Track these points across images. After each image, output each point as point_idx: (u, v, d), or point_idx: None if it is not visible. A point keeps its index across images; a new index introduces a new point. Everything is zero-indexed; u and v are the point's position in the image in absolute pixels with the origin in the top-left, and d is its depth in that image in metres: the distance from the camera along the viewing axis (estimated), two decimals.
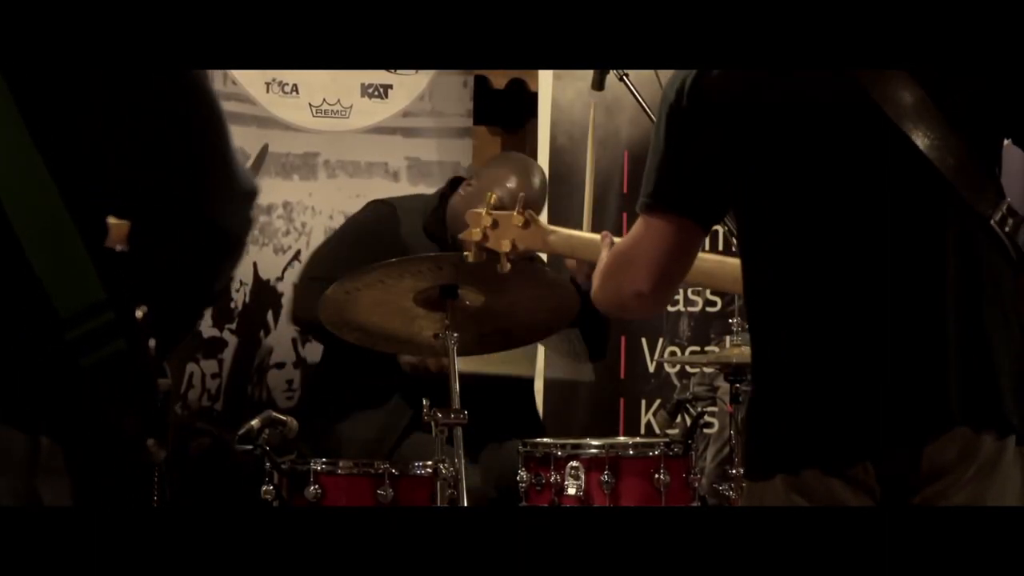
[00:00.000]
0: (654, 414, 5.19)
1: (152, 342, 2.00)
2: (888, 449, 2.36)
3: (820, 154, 2.37)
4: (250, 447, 3.87)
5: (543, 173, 4.68)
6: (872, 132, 2.35)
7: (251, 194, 2.17)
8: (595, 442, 4.06)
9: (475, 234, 3.40)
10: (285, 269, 5.10)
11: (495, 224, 3.39)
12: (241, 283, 5.00)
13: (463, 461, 3.72)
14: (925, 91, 2.33)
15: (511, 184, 4.44)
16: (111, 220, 2.03)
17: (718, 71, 2.38)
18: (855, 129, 2.36)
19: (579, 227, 4.64)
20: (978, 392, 2.36)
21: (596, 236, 3.07)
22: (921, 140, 2.33)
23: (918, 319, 2.36)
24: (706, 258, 2.90)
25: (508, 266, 3.41)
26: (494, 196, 3.44)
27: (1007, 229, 2.36)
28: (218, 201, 2.09)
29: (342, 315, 3.93)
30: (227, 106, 4.95)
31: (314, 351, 5.13)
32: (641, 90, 4.00)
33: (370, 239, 4.56)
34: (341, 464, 3.94)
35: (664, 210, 2.46)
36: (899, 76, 2.34)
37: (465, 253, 3.44)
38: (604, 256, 2.65)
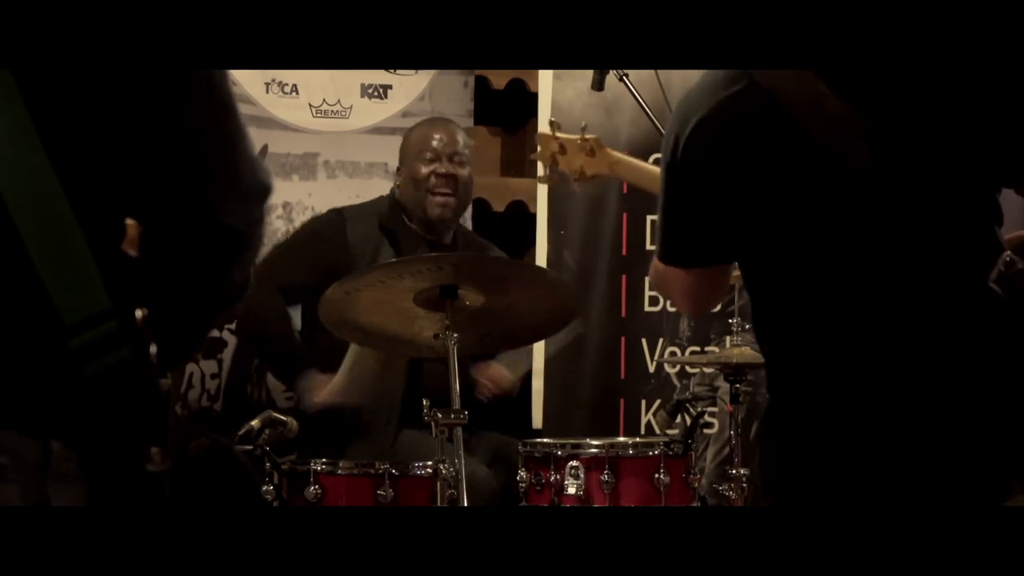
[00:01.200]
0: (654, 414, 5.19)
1: (153, 348, 1.99)
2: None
3: (817, 203, 2.35)
4: (250, 447, 3.87)
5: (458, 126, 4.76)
6: (865, 186, 2.32)
7: (263, 192, 2.14)
8: (595, 442, 4.06)
9: (545, 157, 3.39)
10: None
11: (562, 149, 3.40)
12: None
13: (463, 461, 3.72)
14: (916, 142, 2.31)
15: (436, 142, 4.57)
16: (129, 222, 2.04)
17: (708, 122, 2.37)
18: (849, 182, 2.33)
19: (570, 238, 4.68)
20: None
21: (656, 168, 2.99)
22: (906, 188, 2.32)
23: (916, 377, 2.33)
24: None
25: (578, 186, 3.48)
26: (557, 123, 3.46)
27: (1005, 283, 2.31)
28: (227, 201, 2.08)
29: (342, 315, 3.92)
30: None
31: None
32: (641, 90, 4.00)
33: (313, 245, 4.63)
34: (341, 464, 3.93)
35: (678, 264, 2.49)
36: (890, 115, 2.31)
37: (539, 175, 3.46)
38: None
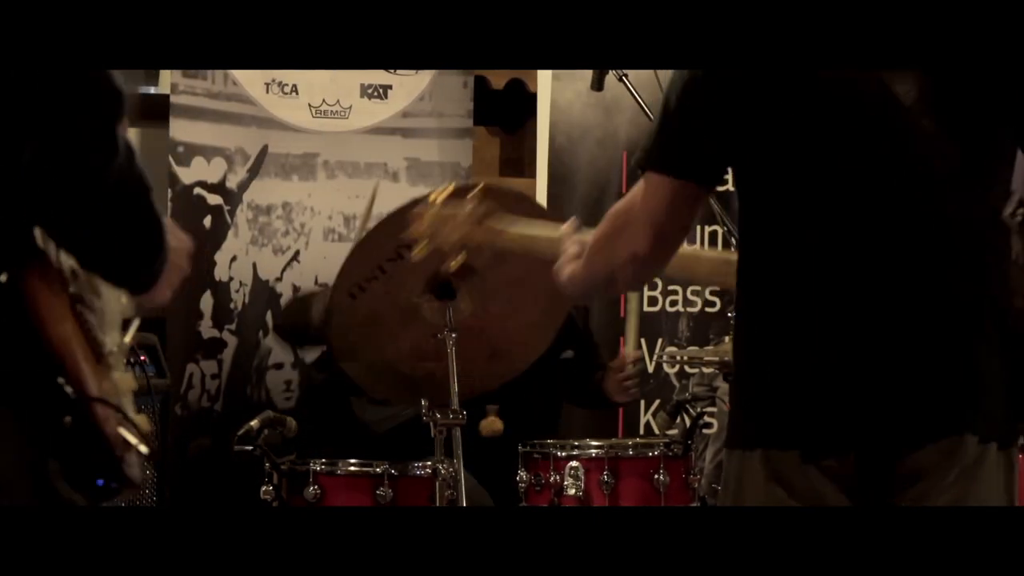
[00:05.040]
0: (654, 414, 5.19)
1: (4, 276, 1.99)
2: (871, 447, 2.36)
3: (824, 143, 2.35)
4: (249, 448, 3.87)
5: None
6: (876, 127, 2.34)
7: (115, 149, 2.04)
8: (595, 442, 4.06)
9: (421, 232, 2.94)
10: (284, 269, 5.10)
11: (443, 221, 2.93)
12: (241, 283, 5.01)
13: (462, 461, 3.72)
14: (927, 90, 2.33)
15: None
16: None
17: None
18: (860, 122, 2.34)
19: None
20: (962, 397, 2.35)
21: (556, 227, 2.75)
22: (921, 136, 2.33)
23: (908, 321, 2.35)
24: (683, 250, 2.76)
25: (455, 266, 3.02)
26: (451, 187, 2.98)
27: (1019, 219, 2.35)
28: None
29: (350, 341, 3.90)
30: (227, 106, 5.00)
31: (312, 351, 5.13)
32: (641, 90, 4.00)
33: None
34: (340, 464, 3.93)
35: (666, 170, 2.42)
36: (902, 74, 2.33)
37: (413, 252, 3.00)
38: (571, 245, 2.62)
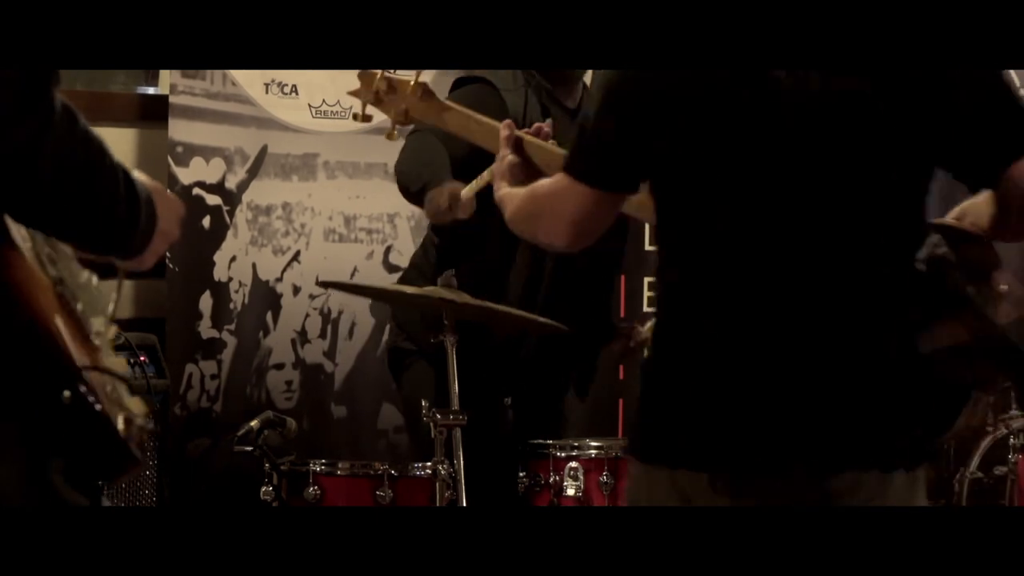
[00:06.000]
0: None
1: None
2: (779, 473, 2.36)
3: (737, 155, 2.35)
4: (249, 448, 3.87)
5: None
6: (795, 138, 2.33)
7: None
8: (595, 442, 4.06)
9: (367, 95, 3.27)
10: (284, 270, 5.10)
11: (390, 87, 3.27)
12: (240, 284, 5.00)
13: (462, 461, 3.71)
14: (853, 96, 2.32)
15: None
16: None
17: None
18: (776, 131, 2.34)
19: None
20: (868, 429, 2.34)
21: (496, 123, 2.95)
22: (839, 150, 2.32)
23: (814, 350, 2.34)
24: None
25: (395, 134, 3.33)
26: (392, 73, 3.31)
27: (929, 265, 2.31)
28: None
29: None
30: (226, 107, 5.00)
31: (313, 352, 5.13)
32: None
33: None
34: (340, 465, 3.93)
35: (583, 180, 2.45)
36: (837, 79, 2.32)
37: (354, 114, 3.31)
38: (509, 185, 2.66)
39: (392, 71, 3.26)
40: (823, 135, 2.32)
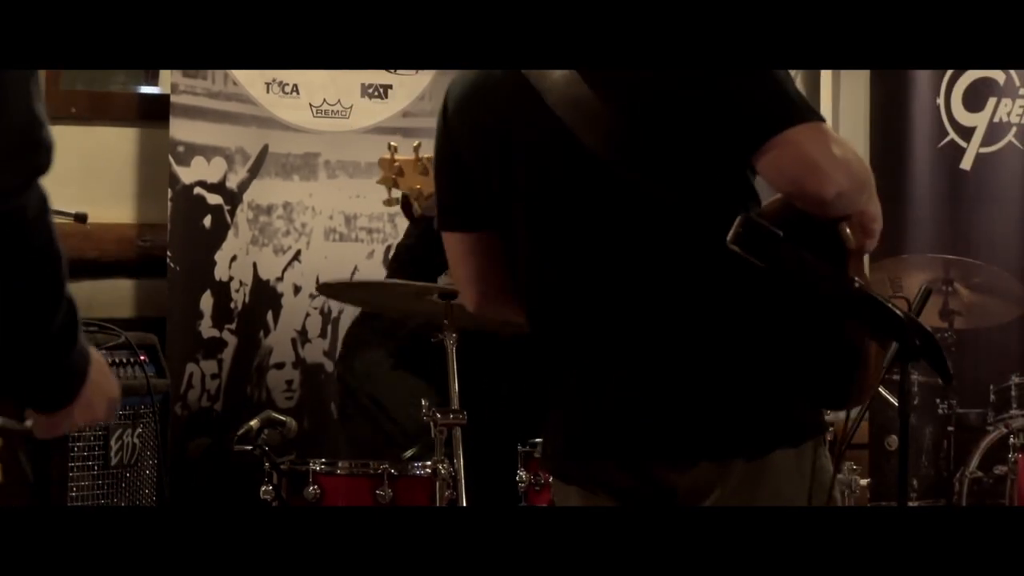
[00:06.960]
0: None
1: None
2: (638, 472, 2.38)
3: (527, 177, 2.41)
4: (249, 447, 3.87)
5: None
6: (615, 179, 2.34)
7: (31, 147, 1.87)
8: None
9: (387, 180, 3.54)
10: (285, 269, 5.10)
11: (400, 171, 3.52)
12: (241, 283, 5.01)
13: (462, 461, 3.72)
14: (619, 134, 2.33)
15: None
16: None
17: (458, 87, 2.52)
18: (601, 174, 2.36)
19: None
20: (719, 423, 2.33)
21: None
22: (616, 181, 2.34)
23: (649, 345, 2.36)
24: None
25: (419, 209, 3.55)
26: (395, 146, 3.57)
27: (743, 246, 2.25)
28: None
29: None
30: (227, 106, 5.00)
31: (313, 351, 5.13)
32: None
33: None
34: (340, 465, 3.94)
35: (445, 228, 2.54)
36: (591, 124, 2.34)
37: (384, 200, 3.60)
38: None
39: (398, 154, 3.54)
40: (598, 179, 2.36)
